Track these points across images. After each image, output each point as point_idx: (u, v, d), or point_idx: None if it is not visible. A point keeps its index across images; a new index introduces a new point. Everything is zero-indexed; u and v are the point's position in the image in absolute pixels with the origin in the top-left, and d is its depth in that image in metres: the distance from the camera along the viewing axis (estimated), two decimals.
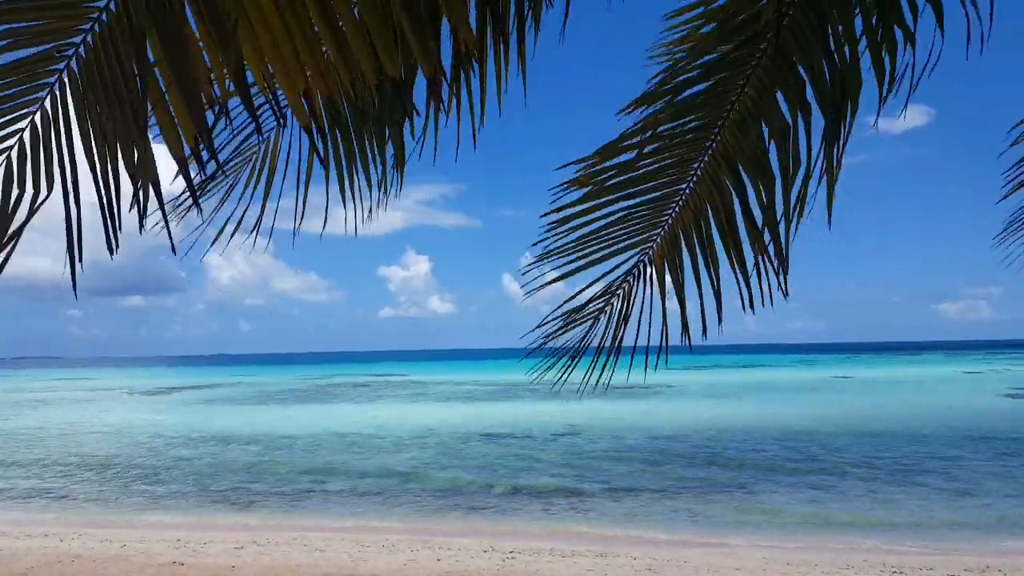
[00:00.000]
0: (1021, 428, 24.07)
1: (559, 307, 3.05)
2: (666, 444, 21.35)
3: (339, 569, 9.43)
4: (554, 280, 2.96)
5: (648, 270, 2.92)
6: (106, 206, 1.65)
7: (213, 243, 2.59)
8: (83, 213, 1.66)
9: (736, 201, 2.58)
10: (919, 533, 11.89)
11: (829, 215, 2.37)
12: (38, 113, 1.66)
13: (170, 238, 1.77)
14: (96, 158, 1.64)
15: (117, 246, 1.67)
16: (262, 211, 2.63)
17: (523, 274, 2.95)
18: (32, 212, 1.63)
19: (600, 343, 3.02)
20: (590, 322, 3.06)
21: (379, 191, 2.42)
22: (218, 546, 10.78)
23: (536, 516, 13.39)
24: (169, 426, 29.91)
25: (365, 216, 2.47)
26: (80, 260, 1.63)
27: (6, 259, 1.61)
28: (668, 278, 2.91)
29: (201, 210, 2.50)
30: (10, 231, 1.60)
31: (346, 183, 2.34)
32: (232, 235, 2.62)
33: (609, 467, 17.86)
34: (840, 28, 2.24)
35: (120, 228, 1.67)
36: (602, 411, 29.87)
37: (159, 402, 45.69)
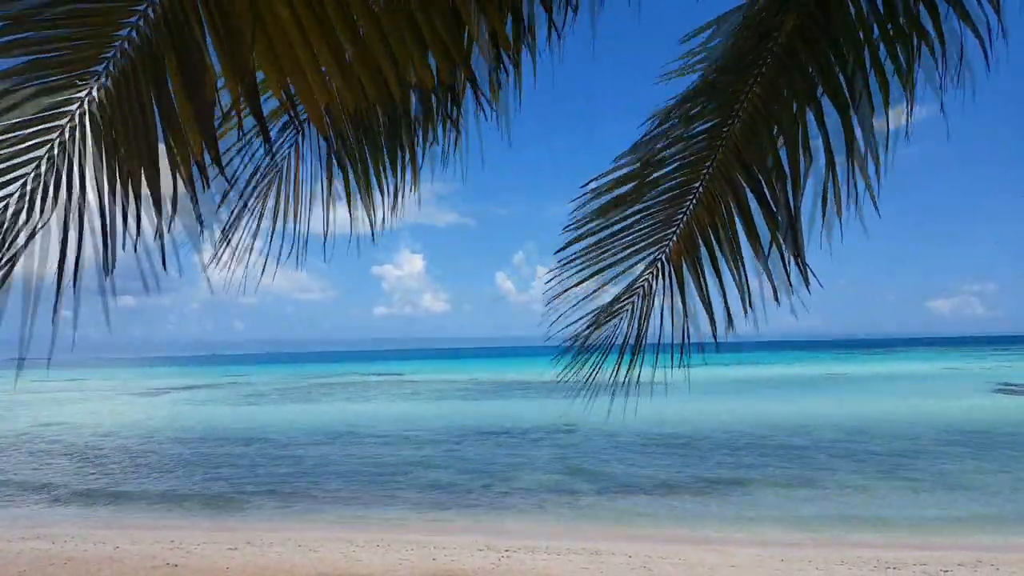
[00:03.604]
0: (1010, 423, 24.23)
1: (575, 304, 3.07)
2: (659, 441, 21.37)
3: (334, 569, 9.41)
4: (578, 284, 2.98)
5: (667, 268, 2.93)
6: (107, 226, 1.68)
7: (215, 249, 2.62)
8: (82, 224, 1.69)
9: (752, 198, 2.59)
10: (912, 528, 11.95)
11: (875, 203, 2.44)
12: (57, 141, 1.64)
13: (163, 255, 1.77)
14: (105, 180, 1.63)
15: (113, 267, 1.70)
16: (283, 227, 2.69)
17: (546, 283, 2.99)
18: (30, 237, 1.65)
19: (624, 341, 3.06)
20: (615, 321, 3.09)
21: (395, 197, 2.50)
22: (212, 547, 10.73)
23: (531, 514, 13.38)
24: (162, 426, 29.78)
25: (382, 218, 2.55)
26: (77, 280, 1.67)
27: (5, 276, 1.64)
28: (687, 275, 2.93)
29: (207, 231, 2.57)
30: (10, 254, 1.64)
31: (362, 186, 2.40)
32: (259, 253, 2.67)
33: (603, 465, 17.87)
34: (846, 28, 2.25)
35: (114, 250, 1.70)
36: (596, 409, 29.86)
37: (152, 402, 45.48)
